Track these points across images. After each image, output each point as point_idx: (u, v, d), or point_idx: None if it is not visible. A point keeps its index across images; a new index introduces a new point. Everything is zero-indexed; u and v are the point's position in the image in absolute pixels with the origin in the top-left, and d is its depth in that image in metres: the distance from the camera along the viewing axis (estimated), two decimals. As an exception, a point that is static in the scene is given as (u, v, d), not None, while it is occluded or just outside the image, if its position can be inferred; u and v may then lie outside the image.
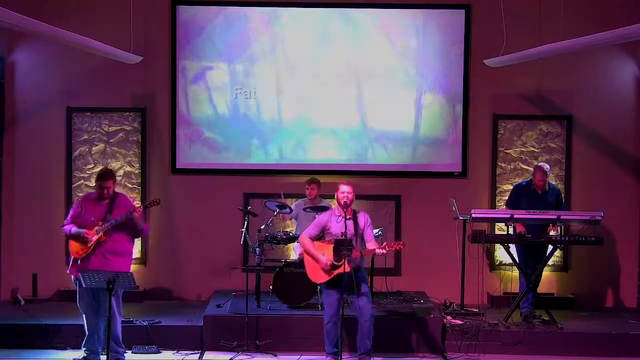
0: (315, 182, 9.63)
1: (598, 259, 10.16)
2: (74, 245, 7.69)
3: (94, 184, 7.93)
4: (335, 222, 7.84)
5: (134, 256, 10.06)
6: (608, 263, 10.31)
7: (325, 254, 7.77)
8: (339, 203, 7.85)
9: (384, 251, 7.71)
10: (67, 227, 7.75)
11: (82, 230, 7.63)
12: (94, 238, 7.59)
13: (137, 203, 9.82)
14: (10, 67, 10.17)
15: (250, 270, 8.87)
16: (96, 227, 7.61)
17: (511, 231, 9.18)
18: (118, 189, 10.02)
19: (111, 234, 7.65)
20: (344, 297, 7.76)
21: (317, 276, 7.86)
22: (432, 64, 10.32)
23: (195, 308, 9.49)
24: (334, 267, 7.69)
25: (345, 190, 7.81)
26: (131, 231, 7.77)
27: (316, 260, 7.79)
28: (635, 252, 10.32)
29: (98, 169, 10.14)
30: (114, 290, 7.18)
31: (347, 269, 7.57)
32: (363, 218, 7.90)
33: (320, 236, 7.95)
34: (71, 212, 7.89)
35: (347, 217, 7.73)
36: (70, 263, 7.76)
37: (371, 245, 7.83)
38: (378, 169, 10.37)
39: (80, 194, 10.18)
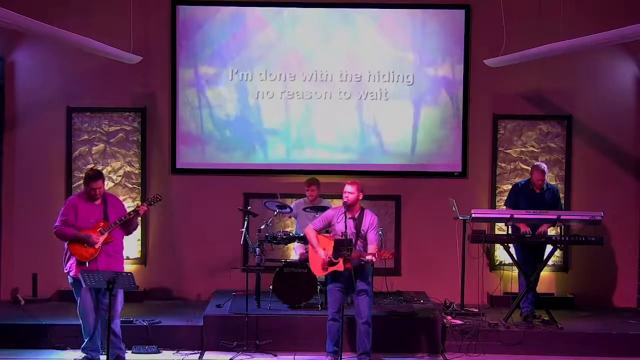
0: (314, 183, 9.61)
1: (598, 259, 10.16)
2: (79, 249, 7.63)
3: (84, 186, 7.85)
4: (340, 220, 7.85)
5: (133, 256, 10.21)
6: (608, 263, 10.31)
7: (326, 248, 7.81)
8: (343, 202, 7.88)
9: (373, 259, 7.73)
10: (68, 231, 7.64)
11: (89, 234, 7.61)
12: (101, 239, 7.60)
13: (138, 202, 9.85)
14: (10, 67, 10.17)
15: (250, 270, 8.87)
16: (99, 229, 7.62)
17: (511, 231, 9.19)
18: (119, 189, 10.13)
19: (111, 233, 7.67)
20: (345, 296, 7.79)
21: (317, 269, 7.94)
22: (432, 64, 10.31)
23: (195, 308, 9.49)
24: (331, 263, 7.71)
25: (347, 190, 7.83)
26: (127, 229, 7.82)
27: (315, 252, 7.85)
28: (635, 252, 10.32)
29: (98, 169, 10.17)
30: (114, 290, 7.19)
31: (346, 266, 7.59)
32: (368, 219, 7.89)
33: (324, 230, 8.01)
34: (63, 216, 7.73)
35: (350, 216, 7.75)
36: (73, 266, 7.66)
37: (371, 249, 7.84)
38: (378, 169, 10.37)
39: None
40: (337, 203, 8.13)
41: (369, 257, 7.69)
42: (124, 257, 8.04)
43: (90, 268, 7.53)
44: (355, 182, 7.96)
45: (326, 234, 8.01)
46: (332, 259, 7.71)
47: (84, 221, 7.68)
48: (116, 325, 7.73)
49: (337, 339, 7.77)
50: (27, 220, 10.17)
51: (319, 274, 7.96)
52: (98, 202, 7.76)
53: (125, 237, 7.95)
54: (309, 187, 9.59)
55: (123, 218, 7.67)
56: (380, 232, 9.16)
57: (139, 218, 8.04)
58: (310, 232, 7.99)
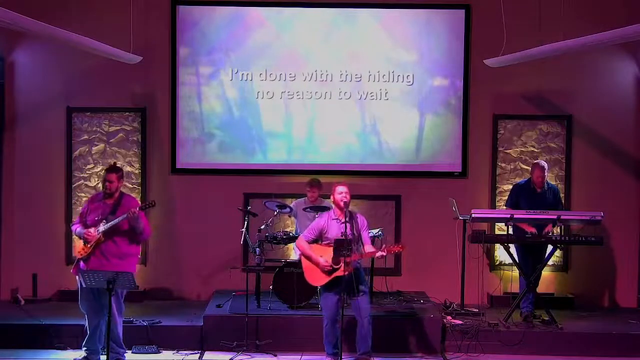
0: (316, 184, 9.59)
1: (598, 259, 10.17)
2: (78, 245, 7.77)
3: (99, 183, 7.94)
4: (336, 225, 7.81)
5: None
6: (608, 263, 10.31)
7: (323, 256, 7.74)
8: (337, 204, 7.82)
9: (384, 253, 7.71)
10: (73, 227, 7.82)
11: (84, 230, 7.65)
12: (94, 239, 7.59)
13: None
14: (10, 67, 10.17)
15: (250, 270, 8.87)
16: (96, 228, 7.62)
17: (511, 231, 9.20)
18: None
19: (112, 236, 7.62)
20: (344, 298, 7.76)
21: (315, 279, 7.84)
22: (432, 64, 10.31)
23: (195, 308, 9.49)
24: (333, 270, 7.68)
25: (343, 191, 7.80)
26: (131, 233, 7.72)
27: (315, 263, 7.77)
28: (635, 252, 10.32)
29: (98, 169, 10.21)
30: (114, 291, 7.19)
31: (346, 271, 7.56)
32: (360, 220, 7.90)
33: (317, 240, 7.92)
34: (81, 211, 7.97)
35: (343, 219, 7.71)
36: (75, 263, 7.78)
37: (369, 248, 7.84)
38: (378, 169, 10.37)
39: (80, 194, 10.22)
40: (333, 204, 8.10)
41: (379, 254, 7.69)
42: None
43: (82, 266, 7.56)
44: (344, 182, 7.98)
45: (318, 244, 7.90)
46: (333, 265, 7.67)
47: (90, 218, 7.73)
48: (119, 332, 7.73)
49: (336, 342, 7.77)
50: (27, 220, 10.17)
51: (317, 282, 7.85)
52: (110, 201, 7.75)
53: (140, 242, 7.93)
54: (311, 188, 9.58)
55: (115, 221, 7.58)
56: (380, 232, 9.21)
57: (141, 223, 7.76)
58: (303, 243, 7.89)
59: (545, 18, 9.96)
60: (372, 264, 9.46)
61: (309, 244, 7.88)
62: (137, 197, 10.21)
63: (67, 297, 9.66)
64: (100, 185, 9.98)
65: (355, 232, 7.77)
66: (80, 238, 7.73)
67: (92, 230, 7.61)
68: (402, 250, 7.90)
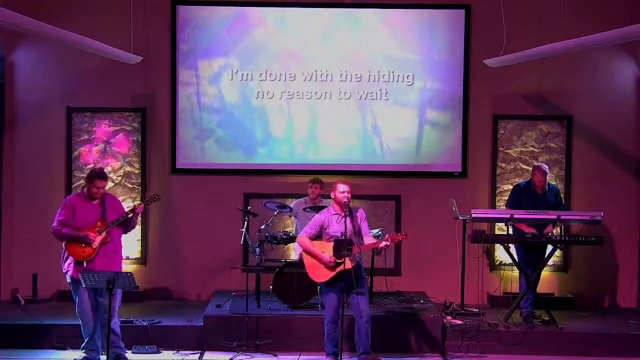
0: (318, 182, 9.62)
1: (598, 259, 10.16)
2: (76, 249, 7.62)
3: (86, 183, 7.86)
4: (335, 221, 7.82)
5: (133, 256, 10.20)
6: (608, 263, 10.30)
7: (325, 252, 7.76)
8: (338, 203, 7.83)
9: (388, 243, 7.70)
10: (64, 231, 7.64)
11: (85, 233, 7.60)
12: (98, 239, 7.60)
13: (137, 202, 9.86)
14: (10, 67, 10.17)
15: (250, 270, 8.87)
16: (97, 228, 7.61)
17: (511, 231, 9.20)
18: (119, 189, 10.14)
19: (111, 234, 7.68)
20: (344, 297, 7.78)
21: (319, 275, 7.84)
22: (432, 64, 10.32)
23: (195, 308, 9.49)
24: (336, 264, 7.68)
25: (344, 189, 7.81)
26: (126, 228, 7.84)
27: (318, 258, 7.78)
28: (635, 252, 10.32)
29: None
30: (114, 290, 7.19)
31: (348, 266, 7.59)
32: (359, 214, 7.92)
33: (318, 235, 7.93)
34: (60, 215, 7.73)
35: (343, 215, 7.72)
36: (71, 266, 7.68)
37: (369, 239, 7.84)
38: (378, 169, 10.37)
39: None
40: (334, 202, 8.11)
41: (383, 244, 7.70)
42: (124, 257, 8.11)
43: (87, 268, 7.52)
44: (346, 181, 8.00)
45: (319, 239, 7.91)
46: (337, 260, 7.68)
47: (81, 221, 7.67)
48: (115, 324, 7.72)
49: (337, 341, 7.77)
50: (27, 220, 10.17)
51: (321, 279, 7.85)
52: (96, 201, 7.75)
53: (123, 236, 7.96)
54: (313, 185, 9.60)
55: (120, 218, 7.68)
56: (380, 232, 9.21)
57: (139, 217, 8.04)
58: (305, 240, 7.89)
59: (545, 18, 9.96)
60: (372, 264, 9.46)
61: (310, 240, 7.90)
62: (137, 197, 10.24)
63: (67, 297, 9.59)
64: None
65: (356, 227, 7.79)
66: (79, 241, 7.61)
67: (91, 232, 7.60)
68: (405, 238, 7.86)
